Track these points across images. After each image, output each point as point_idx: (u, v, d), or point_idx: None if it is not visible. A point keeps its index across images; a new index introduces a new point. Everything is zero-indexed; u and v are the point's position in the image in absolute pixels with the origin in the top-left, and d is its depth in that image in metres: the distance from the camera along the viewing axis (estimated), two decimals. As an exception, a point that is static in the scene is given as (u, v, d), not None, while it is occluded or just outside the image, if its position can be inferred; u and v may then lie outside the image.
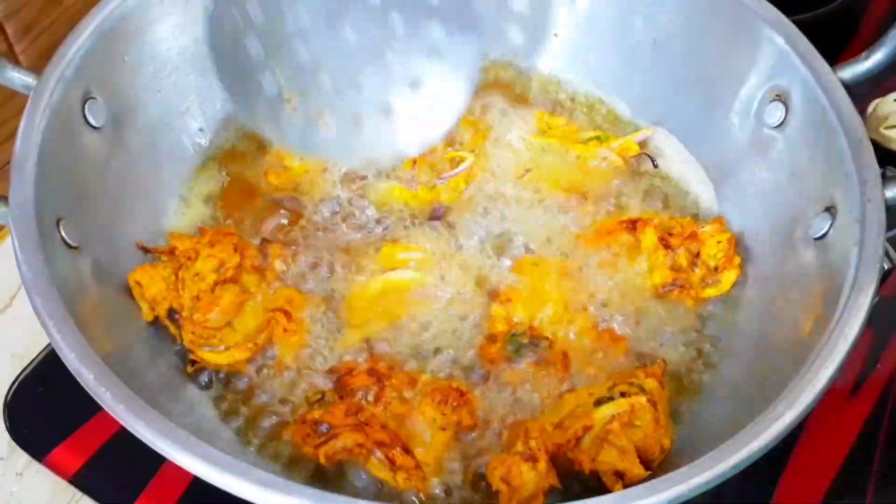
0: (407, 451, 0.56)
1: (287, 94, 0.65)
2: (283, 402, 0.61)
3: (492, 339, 0.63)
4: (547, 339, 0.64)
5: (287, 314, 0.62)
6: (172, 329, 0.62)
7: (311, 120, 0.65)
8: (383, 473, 0.55)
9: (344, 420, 0.57)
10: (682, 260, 0.66)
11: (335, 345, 0.63)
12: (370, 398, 0.59)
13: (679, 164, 0.74)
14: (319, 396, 0.61)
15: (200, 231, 0.66)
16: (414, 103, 0.66)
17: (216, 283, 0.62)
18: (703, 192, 0.72)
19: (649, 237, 0.67)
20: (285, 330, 0.62)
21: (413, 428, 0.58)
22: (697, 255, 0.66)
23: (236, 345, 0.61)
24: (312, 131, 0.66)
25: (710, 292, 0.66)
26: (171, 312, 0.62)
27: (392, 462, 0.55)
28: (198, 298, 0.61)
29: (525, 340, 0.64)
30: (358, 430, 0.56)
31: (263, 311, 0.63)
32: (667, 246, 0.66)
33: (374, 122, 0.66)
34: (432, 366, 0.62)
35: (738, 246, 0.68)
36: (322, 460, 0.56)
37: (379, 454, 0.55)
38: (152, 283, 0.61)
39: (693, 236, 0.67)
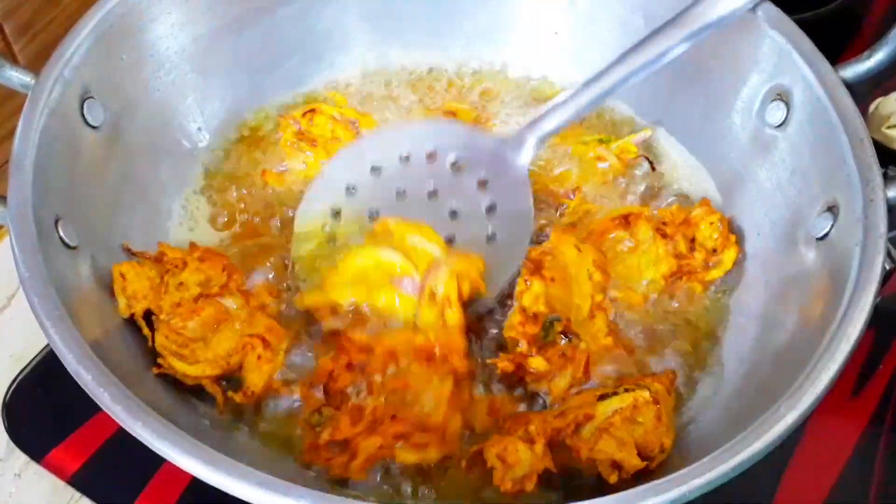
0: (426, 429, 0.55)
1: None
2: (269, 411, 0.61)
3: (532, 317, 0.61)
4: (577, 335, 0.62)
5: (265, 342, 0.61)
6: (145, 330, 0.61)
7: None
8: (413, 457, 0.55)
9: (353, 429, 0.56)
10: (682, 246, 0.66)
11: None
12: (363, 393, 0.58)
13: (680, 164, 0.74)
14: (317, 416, 0.59)
15: (191, 246, 0.65)
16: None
17: (200, 296, 0.62)
18: (704, 192, 0.72)
19: (643, 229, 0.67)
20: (259, 357, 0.60)
21: (413, 396, 0.57)
22: (693, 239, 0.67)
23: (206, 360, 0.60)
24: None
25: (715, 273, 0.66)
26: (148, 313, 0.61)
27: (417, 446, 0.55)
28: (178, 305, 0.61)
29: (559, 331, 0.61)
30: (373, 434, 0.55)
31: (241, 335, 0.61)
32: (664, 235, 0.66)
33: None
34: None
35: (734, 229, 0.68)
36: (356, 476, 0.55)
37: (403, 445, 0.55)
38: (136, 280, 0.61)
39: (686, 222, 0.67)
